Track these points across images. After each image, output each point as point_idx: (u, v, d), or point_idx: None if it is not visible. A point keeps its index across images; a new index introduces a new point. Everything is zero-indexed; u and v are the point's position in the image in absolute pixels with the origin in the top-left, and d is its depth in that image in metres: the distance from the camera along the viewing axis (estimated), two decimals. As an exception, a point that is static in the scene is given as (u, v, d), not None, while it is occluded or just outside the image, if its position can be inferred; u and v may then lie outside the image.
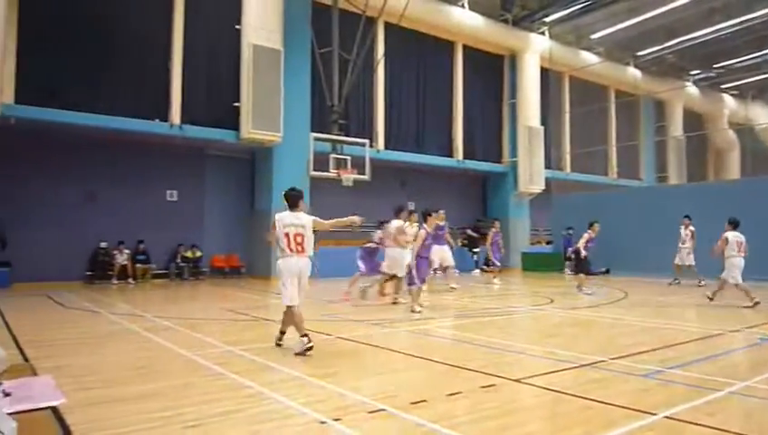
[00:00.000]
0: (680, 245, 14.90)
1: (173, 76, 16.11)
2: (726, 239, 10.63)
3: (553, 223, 23.28)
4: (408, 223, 11.29)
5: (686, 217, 14.95)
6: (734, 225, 10.77)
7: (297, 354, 5.90)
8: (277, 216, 6.29)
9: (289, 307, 6.15)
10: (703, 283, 13.83)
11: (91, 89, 14.96)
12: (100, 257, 16.01)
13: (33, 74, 14.09)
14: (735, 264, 10.55)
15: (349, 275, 11.72)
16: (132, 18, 15.75)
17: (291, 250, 6.14)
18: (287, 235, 6.16)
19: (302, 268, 6.18)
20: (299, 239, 6.18)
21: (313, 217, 6.36)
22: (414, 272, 9.57)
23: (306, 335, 5.94)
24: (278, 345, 6.39)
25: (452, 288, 13.05)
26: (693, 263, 14.63)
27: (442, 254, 12.88)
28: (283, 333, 6.46)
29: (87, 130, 15.12)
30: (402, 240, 10.78)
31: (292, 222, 6.20)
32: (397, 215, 11.20)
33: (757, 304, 10.19)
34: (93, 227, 15.87)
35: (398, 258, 10.77)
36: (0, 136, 12.33)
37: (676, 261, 14.90)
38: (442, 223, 12.64)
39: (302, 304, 6.18)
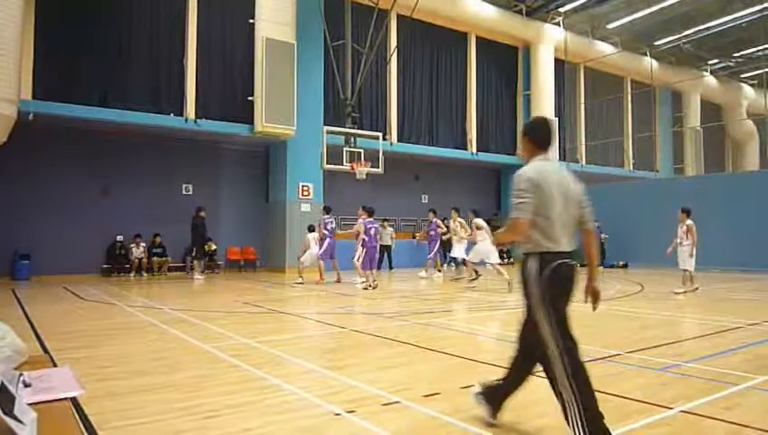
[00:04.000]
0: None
1: (188, 71, 16.22)
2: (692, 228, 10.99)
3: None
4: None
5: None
6: (689, 213, 11.08)
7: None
8: None
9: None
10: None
11: (106, 84, 15.12)
12: (116, 251, 16.22)
13: (50, 70, 14.26)
14: (692, 252, 10.96)
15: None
16: (147, 14, 15.88)
17: None
18: None
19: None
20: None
21: None
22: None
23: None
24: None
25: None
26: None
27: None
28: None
29: (103, 124, 15.28)
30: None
31: None
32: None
33: (696, 289, 11.15)
34: (110, 221, 16.08)
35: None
36: (18, 131, 12.45)
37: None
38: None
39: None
